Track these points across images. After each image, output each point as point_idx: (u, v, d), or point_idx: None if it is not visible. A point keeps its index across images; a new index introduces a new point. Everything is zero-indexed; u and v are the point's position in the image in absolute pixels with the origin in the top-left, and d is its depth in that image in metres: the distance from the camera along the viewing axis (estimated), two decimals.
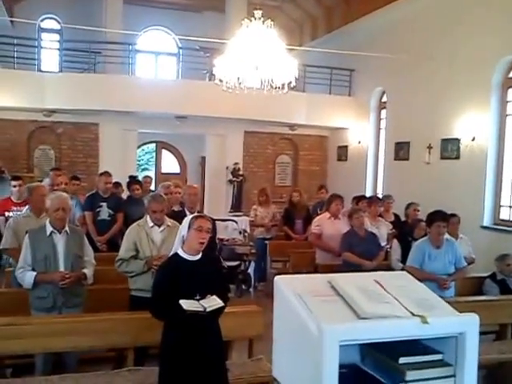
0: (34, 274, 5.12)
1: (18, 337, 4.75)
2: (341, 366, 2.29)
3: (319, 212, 9.53)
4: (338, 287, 2.59)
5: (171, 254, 4.53)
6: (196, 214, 4.44)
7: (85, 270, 5.34)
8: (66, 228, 5.33)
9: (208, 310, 4.04)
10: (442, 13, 11.72)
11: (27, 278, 5.15)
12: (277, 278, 2.74)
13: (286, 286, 2.65)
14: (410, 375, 2.36)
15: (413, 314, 2.40)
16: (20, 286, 5.59)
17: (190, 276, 4.20)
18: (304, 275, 2.95)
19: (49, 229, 5.25)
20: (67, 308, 5.23)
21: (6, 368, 5.68)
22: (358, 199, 9.55)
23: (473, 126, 10.70)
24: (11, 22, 14.82)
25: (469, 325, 2.43)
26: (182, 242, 4.39)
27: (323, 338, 2.24)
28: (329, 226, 8.59)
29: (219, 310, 4.24)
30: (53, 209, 5.26)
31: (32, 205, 6.46)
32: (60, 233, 5.27)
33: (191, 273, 4.22)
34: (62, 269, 5.18)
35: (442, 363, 2.47)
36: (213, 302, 4.12)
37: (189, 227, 4.32)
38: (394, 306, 2.45)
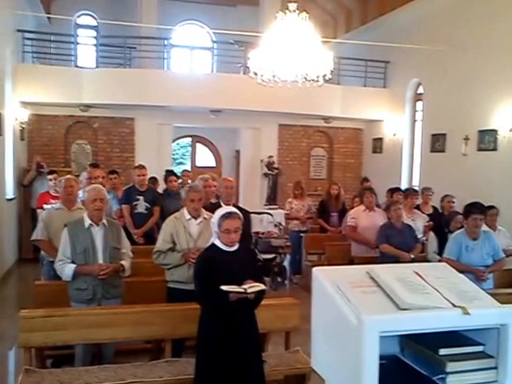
0: (74, 266, 5.18)
1: (57, 328, 4.83)
2: (380, 357, 2.29)
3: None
4: (378, 278, 2.58)
5: (208, 244, 4.56)
6: (224, 211, 4.40)
7: (123, 262, 5.40)
8: (104, 220, 5.39)
9: (249, 291, 4.06)
10: (478, 3, 11.53)
11: (66, 270, 5.21)
12: (315, 269, 2.73)
13: (324, 277, 2.64)
14: (451, 367, 2.35)
15: (454, 305, 2.38)
16: (54, 278, 5.71)
17: (228, 265, 4.24)
18: (342, 266, 2.93)
19: (87, 222, 5.30)
20: (106, 299, 5.29)
21: (47, 359, 5.79)
22: (393, 191, 9.48)
23: (510, 116, 10.50)
24: (48, 18, 14.96)
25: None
26: (217, 235, 4.42)
27: (364, 329, 2.24)
28: (364, 219, 8.59)
29: (259, 296, 4.25)
30: (90, 200, 5.31)
31: (61, 196, 6.55)
32: (98, 225, 5.33)
33: (228, 262, 4.26)
34: (100, 261, 5.24)
35: (483, 355, 2.45)
36: (253, 284, 4.14)
37: (218, 226, 4.36)
38: (435, 296, 2.43)
